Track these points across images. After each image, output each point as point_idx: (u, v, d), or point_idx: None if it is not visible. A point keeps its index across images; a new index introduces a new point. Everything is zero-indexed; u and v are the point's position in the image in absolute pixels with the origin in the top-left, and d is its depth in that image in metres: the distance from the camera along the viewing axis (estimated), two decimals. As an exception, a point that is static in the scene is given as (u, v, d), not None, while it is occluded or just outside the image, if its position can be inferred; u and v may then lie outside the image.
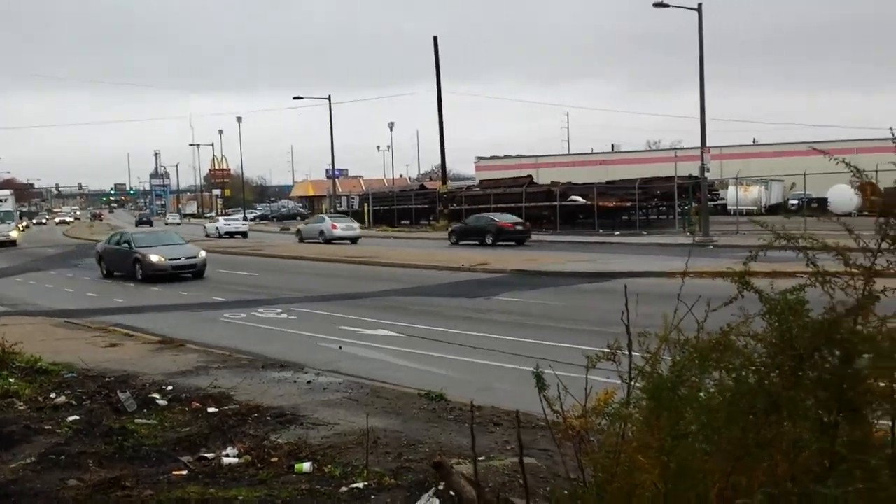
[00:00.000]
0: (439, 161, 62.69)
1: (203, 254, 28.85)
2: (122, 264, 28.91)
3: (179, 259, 27.80)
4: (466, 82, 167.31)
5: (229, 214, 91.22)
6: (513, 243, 39.16)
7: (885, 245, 3.05)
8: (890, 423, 2.99)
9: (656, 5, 34.58)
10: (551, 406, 3.77)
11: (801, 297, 3.01)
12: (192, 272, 27.76)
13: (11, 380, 10.65)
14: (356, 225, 48.72)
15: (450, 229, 45.09)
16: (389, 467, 6.82)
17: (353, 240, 45.62)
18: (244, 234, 60.15)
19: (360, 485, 6.34)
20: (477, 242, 40.03)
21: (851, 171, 3.41)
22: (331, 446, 7.52)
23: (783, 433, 2.87)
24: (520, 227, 40.77)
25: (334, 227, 46.74)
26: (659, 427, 3.10)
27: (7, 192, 64.03)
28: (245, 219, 73.60)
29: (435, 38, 50.42)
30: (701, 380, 3.20)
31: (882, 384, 2.94)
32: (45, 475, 6.34)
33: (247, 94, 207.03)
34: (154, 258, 27.26)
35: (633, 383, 3.63)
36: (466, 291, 21.43)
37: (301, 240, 48.17)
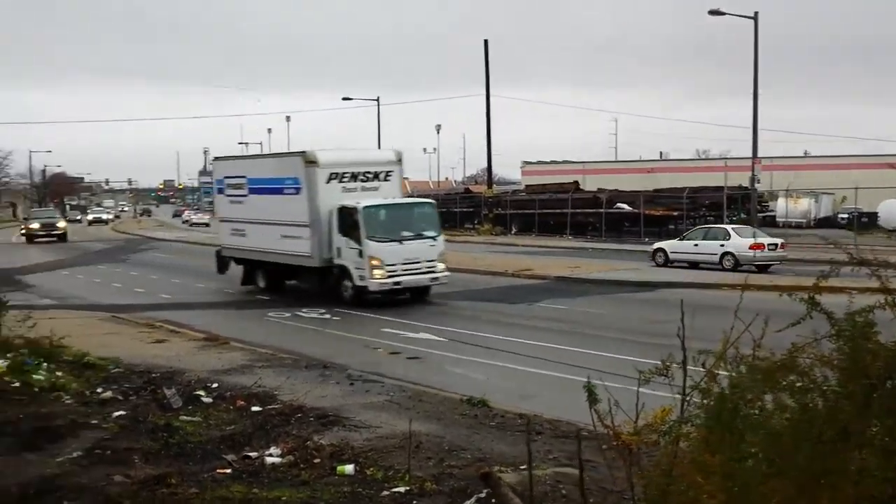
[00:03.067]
0: (485, 164, 62.64)
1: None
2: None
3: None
4: (515, 86, 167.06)
5: None
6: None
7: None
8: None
9: (712, 13, 34.13)
10: (602, 420, 3.70)
11: (870, 319, 2.90)
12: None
13: (59, 373, 10.81)
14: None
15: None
16: (431, 472, 6.78)
17: None
18: None
19: (402, 489, 6.31)
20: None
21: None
22: (373, 449, 7.51)
23: (850, 460, 2.76)
24: None
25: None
26: (718, 447, 3.01)
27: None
28: None
29: (485, 42, 50.46)
30: (762, 400, 3.10)
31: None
32: (92, 470, 6.41)
33: (296, 93, 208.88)
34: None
35: (687, 399, 3.54)
36: (509, 297, 21.32)
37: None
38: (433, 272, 19.54)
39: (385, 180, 21.11)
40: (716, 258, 26.10)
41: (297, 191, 20.51)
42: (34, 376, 10.29)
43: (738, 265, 25.57)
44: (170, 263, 34.86)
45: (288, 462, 6.99)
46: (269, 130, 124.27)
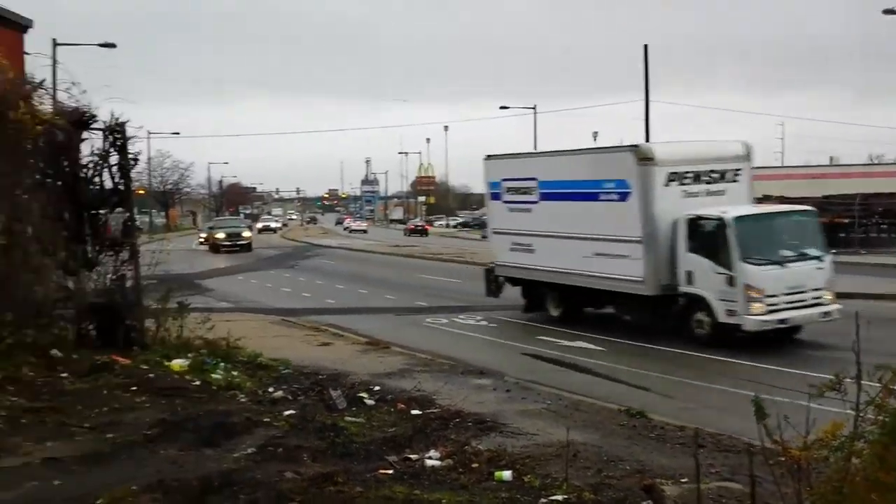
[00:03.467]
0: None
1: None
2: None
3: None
4: (674, 92, 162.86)
5: (431, 222, 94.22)
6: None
7: None
8: None
9: (886, 12, 32.10)
10: (770, 435, 3.58)
11: None
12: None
13: (235, 373, 11.46)
14: None
15: None
16: (589, 482, 6.74)
17: None
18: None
19: (560, 497, 6.30)
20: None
21: None
22: (529, 456, 7.54)
23: None
24: None
25: None
26: (894, 464, 2.86)
27: None
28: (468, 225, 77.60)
29: (645, 47, 49.46)
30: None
31: None
32: (264, 466, 6.76)
33: (454, 103, 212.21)
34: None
35: (861, 415, 3.38)
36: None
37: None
38: (821, 304, 14.73)
39: (733, 181, 16.51)
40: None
41: (623, 196, 16.10)
42: (213, 375, 10.96)
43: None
44: (334, 269, 36.21)
45: (447, 465, 7.12)
46: (428, 140, 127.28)
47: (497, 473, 6.91)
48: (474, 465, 7.13)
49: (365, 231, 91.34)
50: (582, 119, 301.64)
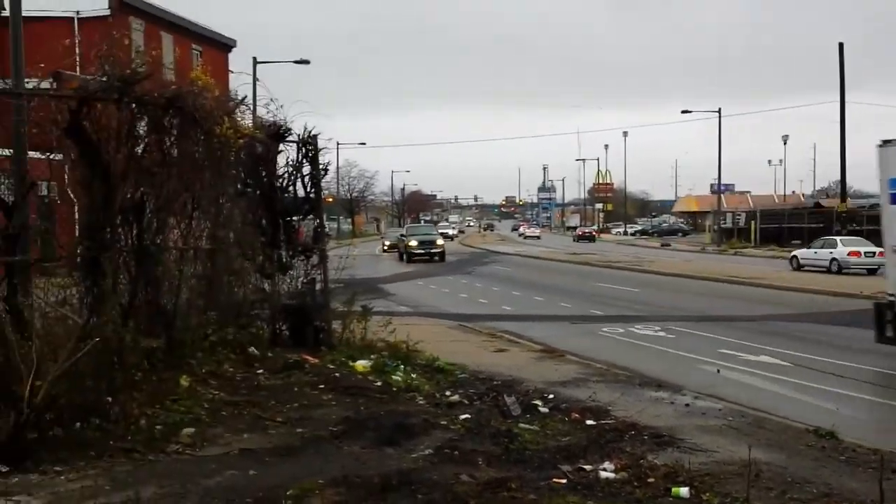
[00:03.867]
0: (838, 177, 57.73)
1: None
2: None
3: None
4: (873, 92, 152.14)
5: (608, 229, 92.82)
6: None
7: None
8: None
9: None
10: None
11: None
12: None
13: (414, 375, 11.85)
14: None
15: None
16: (772, 504, 6.50)
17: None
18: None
19: (739, 518, 6.12)
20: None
21: None
22: (708, 474, 7.34)
23: None
24: None
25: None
26: None
27: None
28: (645, 233, 74.56)
29: (840, 45, 46.67)
30: None
31: None
32: (441, 467, 6.98)
33: (633, 108, 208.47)
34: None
35: None
36: (864, 322, 19.53)
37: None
38: None
39: None
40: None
41: None
42: (393, 377, 11.39)
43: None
44: (510, 276, 36.50)
45: (622, 479, 7.07)
46: (606, 147, 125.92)
47: (674, 489, 6.78)
48: (650, 480, 7.03)
49: (538, 237, 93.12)
50: (768, 122, 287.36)
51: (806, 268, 38.28)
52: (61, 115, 8.82)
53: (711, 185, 78.90)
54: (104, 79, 8.99)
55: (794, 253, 41.59)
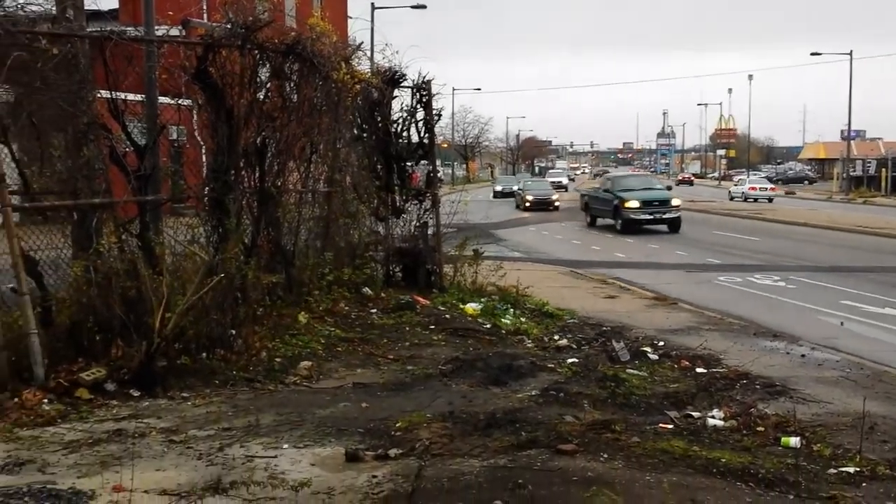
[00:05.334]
0: None
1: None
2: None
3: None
4: None
5: (730, 176, 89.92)
6: None
7: None
8: None
9: None
10: None
11: None
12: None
13: (523, 319, 11.98)
14: None
15: None
16: (886, 457, 6.34)
17: None
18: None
19: (851, 469, 6.01)
20: None
21: None
22: (821, 425, 7.21)
23: None
24: None
25: None
26: None
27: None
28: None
29: None
30: None
31: None
32: (546, 408, 7.10)
33: (760, 50, 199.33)
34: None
35: None
36: None
37: None
38: None
39: None
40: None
41: None
42: (502, 320, 11.56)
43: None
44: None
45: (730, 426, 7.02)
46: (730, 91, 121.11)
47: (784, 439, 6.70)
48: (759, 429, 6.96)
49: None
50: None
51: None
52: (189, 62, 9.20)
53: (841, 132, 75.03)
54: (228, 26, 9.31)
55: None
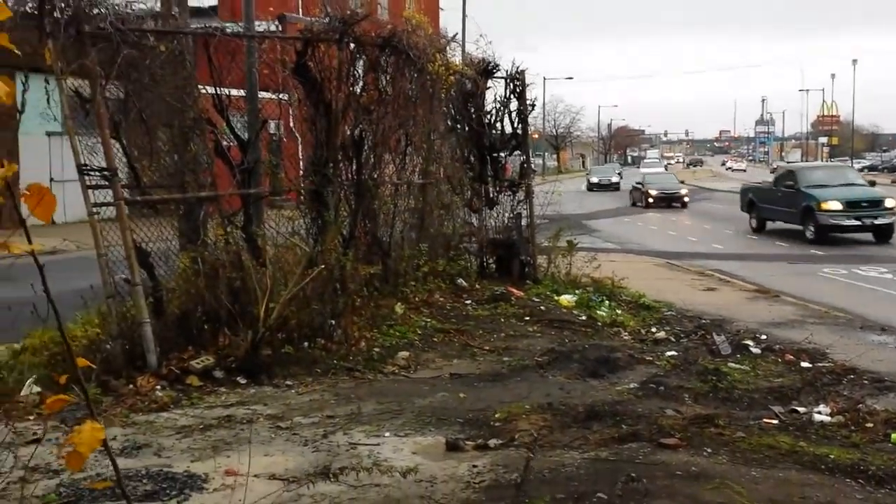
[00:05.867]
0: None
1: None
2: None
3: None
4: None
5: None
6: None
7: None
8: None
9: None
10: None
11: None
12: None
13: (618, 311, 11.84)
14: None
15: None
16: None
17: None
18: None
19: (967, 469, 5.74)
20: None
21: None
22: (934, 422, 6.91)
23: None
24: None
25: None
26: None
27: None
28: (874, 168, 64.35)
29: None
30: None
31: None
32: (645, 401, 7.01)
33: (864, 35, 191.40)
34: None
35: None
36: None
37: None
38: None
39: None
40: None
41: None
42: (598, 312, 11.45)
43: None
44: (721, 213, 35.11)
45: (837, 422, 6.79)
46: (833, 76, 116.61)
47: (894, 436, 6.45)
48: (868, 425, 6.70)
49: (744, 170, 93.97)
50: None
51: None
52: (288, 57, 9.40)
53: (956, 116, 71.29)
54: (326, 20, 9.48)
55: None
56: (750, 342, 10.00)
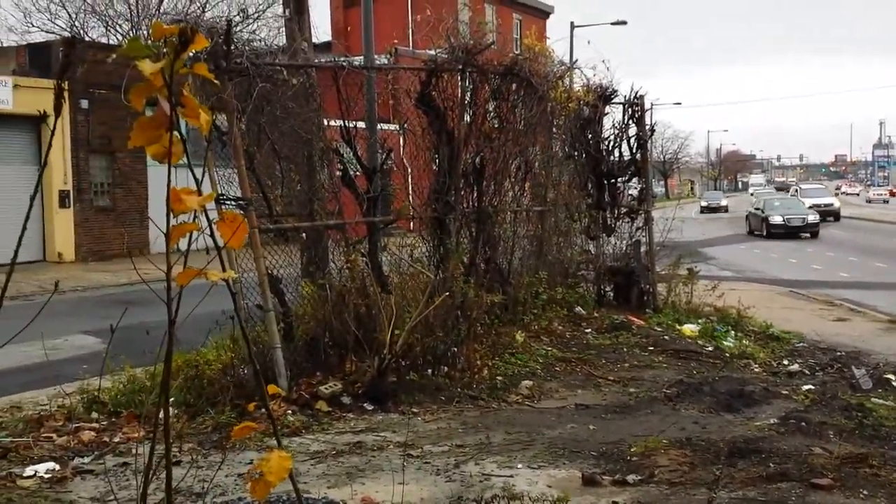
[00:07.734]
0: None
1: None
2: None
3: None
4: None
5: None
6: None
7: None
8: None
9: None
10: None
11: None
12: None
13: (746, 342, 11.42)
14: None
15: None
16: None
17: None
18: None
19: None
20: None
21: None
22: None
23: None
24: None
25: None
26: None
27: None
28: None
29: None
30: None
31: None
32: (788, 438, 6.66)
33: None
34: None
35: None
36: None
37: None
38: None
39: None
40: None
41: None
42: (724, 342, 11.07)
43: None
44: (845, 240, 33.68)
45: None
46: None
47: None
48: None
49: (857, 195, 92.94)
50: None
51: None
52: (412, 87, 9.51)
53: None
54: (449, 51, 9.56)
55: None
56: (891, 376, 9.47)
